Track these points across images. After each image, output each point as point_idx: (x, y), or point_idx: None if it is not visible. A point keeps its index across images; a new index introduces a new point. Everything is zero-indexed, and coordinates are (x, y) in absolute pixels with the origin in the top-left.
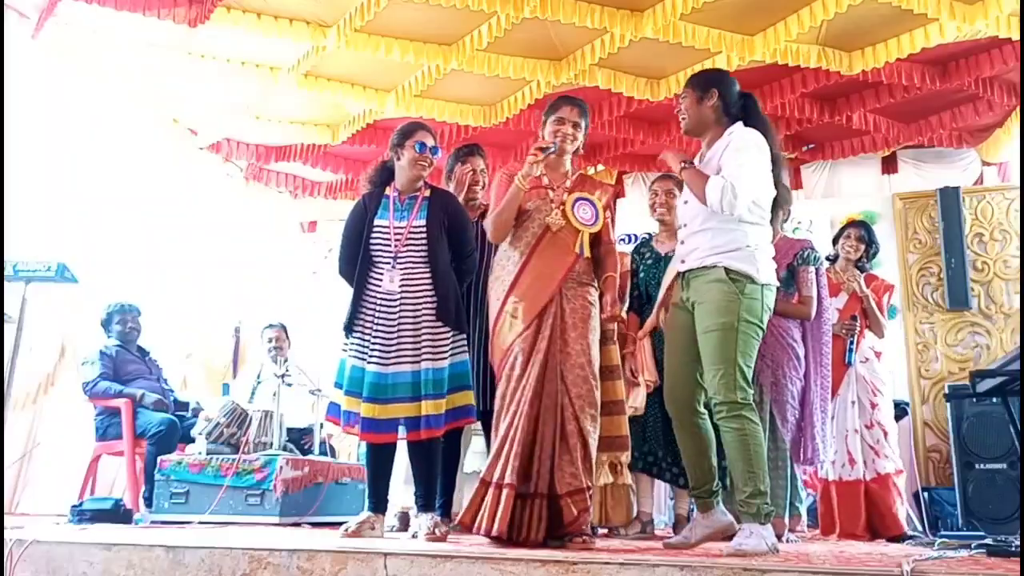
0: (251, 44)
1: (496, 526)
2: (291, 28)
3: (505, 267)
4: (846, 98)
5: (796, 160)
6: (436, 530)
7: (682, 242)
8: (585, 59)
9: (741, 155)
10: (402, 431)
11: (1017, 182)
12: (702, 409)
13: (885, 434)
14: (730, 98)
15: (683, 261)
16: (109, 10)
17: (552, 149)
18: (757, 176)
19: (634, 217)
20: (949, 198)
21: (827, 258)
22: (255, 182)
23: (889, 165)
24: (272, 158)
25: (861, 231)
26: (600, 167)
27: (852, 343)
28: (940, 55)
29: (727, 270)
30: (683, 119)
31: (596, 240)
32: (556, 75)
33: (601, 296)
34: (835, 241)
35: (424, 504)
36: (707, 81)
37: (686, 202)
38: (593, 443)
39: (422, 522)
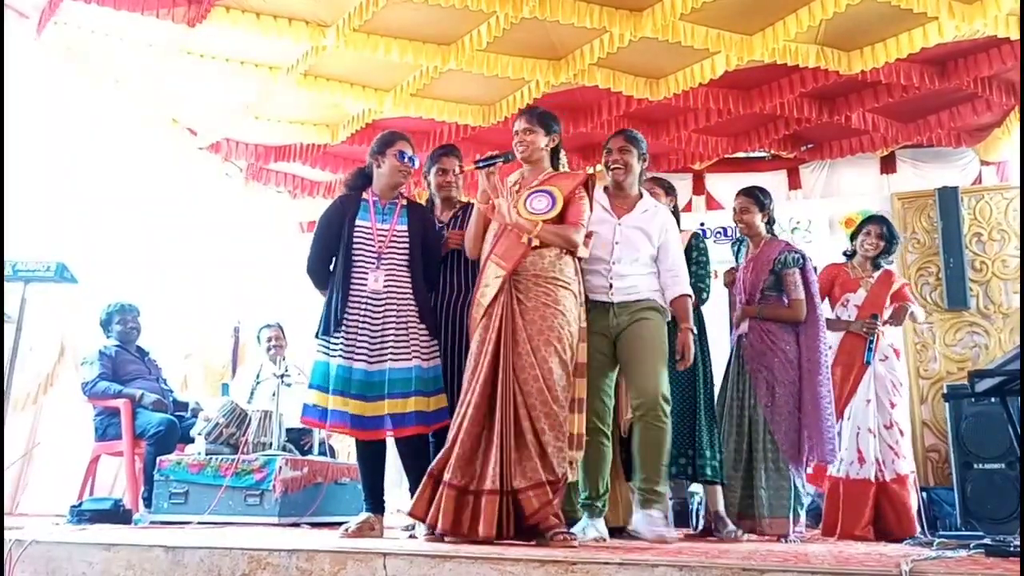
0: (250, 44)
1: (440, 524)
2: (290, 28)
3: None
4: (845, 98)
5: (795, 160)
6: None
7: (612, 278)
8: (584, 59)
9: (679, 248)
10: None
11: (1016, 182)
12: (608, 425)
13: (902, 433)
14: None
15: (613, 293)
16: (108, 10)
17: (501, 158)
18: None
19: None
20: (948, 198)
21: (844, 254)
22: (255, 182)
23: (888, 165)
24: (272, 158)
25: (881, 228)
26: (599, 167)
27: (872, 342)
28: (939, 55)
29: (658, 302)
30: (619, 169)
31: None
32: (555, 75)
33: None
34: (853, 238)
35: None
36: (644, 145)
37: (618, 242)
38: (551, 439)
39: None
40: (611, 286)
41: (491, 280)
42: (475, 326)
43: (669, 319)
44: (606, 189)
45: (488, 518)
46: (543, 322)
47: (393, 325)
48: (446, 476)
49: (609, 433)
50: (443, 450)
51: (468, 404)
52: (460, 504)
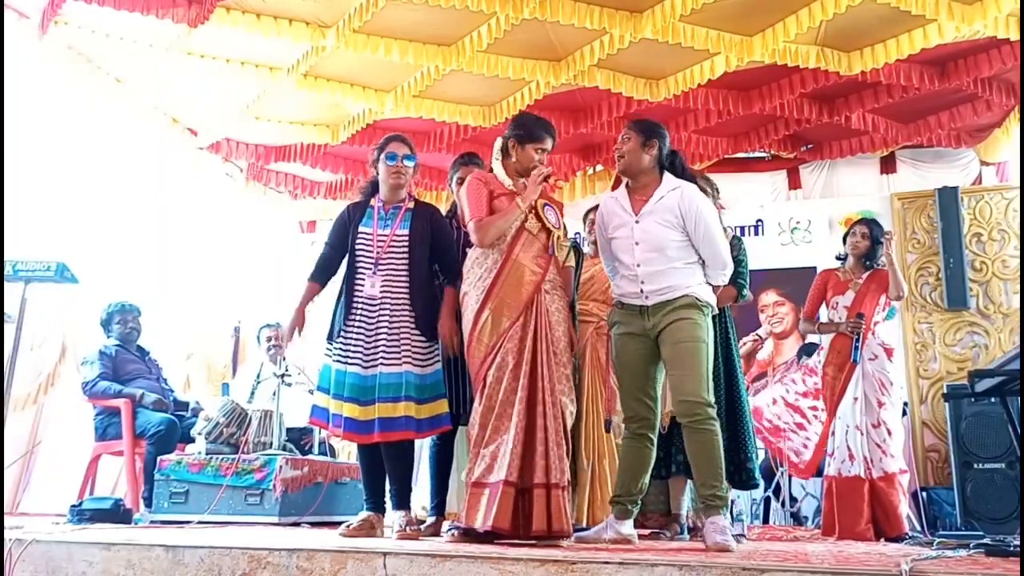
0: (250, 44)
1: (492, 521)
2: (290, 28)
3: (479, 273)
4: (845, 98)
5: (795, 160)
6: (407, 528)
7: (642, 282)
8: (584, 60)
9: (712, 228)
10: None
11: (1016, 182)
12: (653, 427)
13: (890, 433)
14: (665, 150)
15: (647, 297)
16: (109, 10)
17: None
18: (722, 235)
19: None
20: (947, 198)
21: (837, 257)
22: (255, 182)
23: (888, 165)
24: (272, 158)
25: (865, 228)
26: (599, 167)
27: (858, 341)
28: (939, 55)
29: (696, 298)
30: (621, 158)
31: None
32: (556, 76)
33: None
34: (844, 240)
35: (398, 502)
36: (651, 131)
37: (637, 243)
38: (564, 440)
39: (395, 520)
40: (642, 291)
41: (522, 290)
42: (505, 322)
43: (714, 312)
44: (627, 185)
45: (539, 512)
46: (560, 327)
47: (386, 330)
48: (511, 476)
49: (654, 435)
50: (490, 455)
51: (515, 408)
52: (516, 502)
